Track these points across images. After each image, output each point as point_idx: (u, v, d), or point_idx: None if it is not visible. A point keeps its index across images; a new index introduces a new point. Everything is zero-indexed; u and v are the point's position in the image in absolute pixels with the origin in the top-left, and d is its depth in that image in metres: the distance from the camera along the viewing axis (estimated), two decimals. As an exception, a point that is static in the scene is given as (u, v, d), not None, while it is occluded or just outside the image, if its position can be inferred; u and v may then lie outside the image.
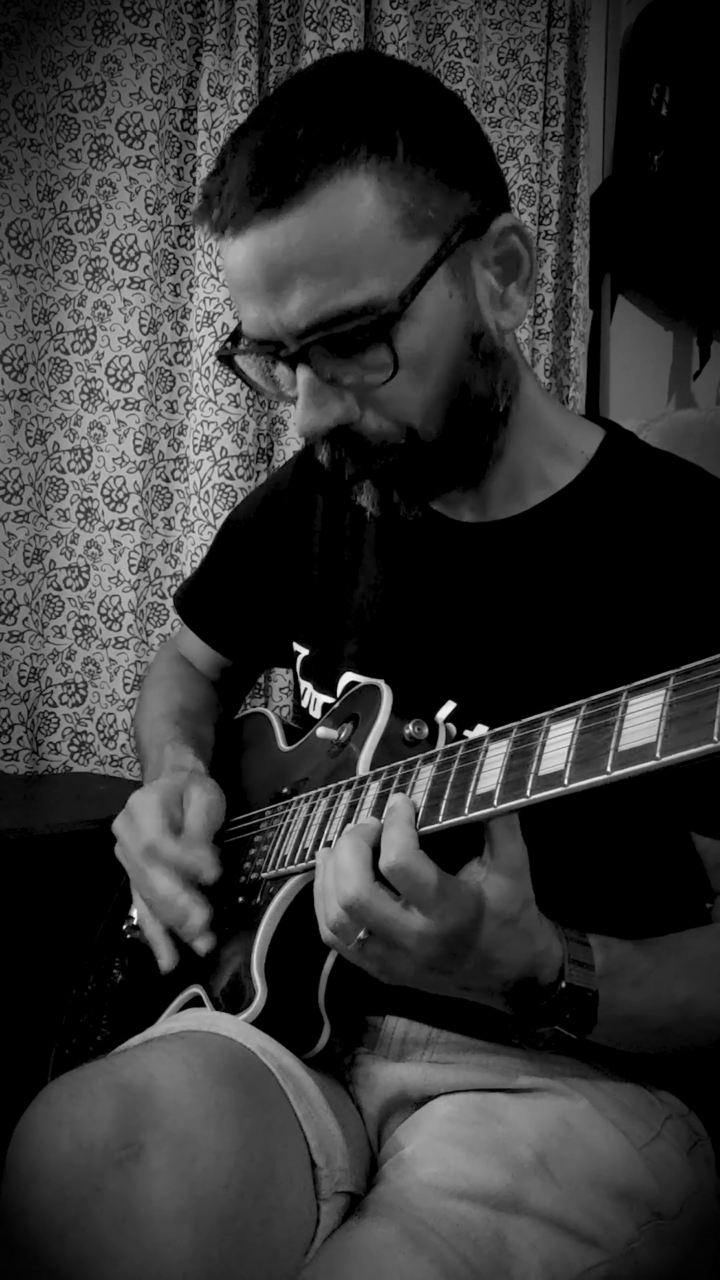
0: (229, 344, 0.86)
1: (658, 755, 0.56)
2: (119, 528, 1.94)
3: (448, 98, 0.85)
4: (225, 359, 0.87)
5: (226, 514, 1.85)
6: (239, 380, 1.82)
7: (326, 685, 1.02)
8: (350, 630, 1.02)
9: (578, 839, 0.87)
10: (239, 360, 0.87)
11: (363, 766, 0.87)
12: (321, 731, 0.96)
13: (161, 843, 0.96)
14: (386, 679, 0.94)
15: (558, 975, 0.76)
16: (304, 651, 1.07)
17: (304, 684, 1.07)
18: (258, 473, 1.94)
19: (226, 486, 1.89)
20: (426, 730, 0.88)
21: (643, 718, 0.58)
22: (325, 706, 1.01)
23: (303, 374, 0.81)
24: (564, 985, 0.76)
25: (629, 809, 0.87)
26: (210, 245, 1.86)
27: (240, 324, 0.85)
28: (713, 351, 2.36)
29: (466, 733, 0.89)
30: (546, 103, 2.12)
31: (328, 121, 0.78)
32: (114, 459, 1.93)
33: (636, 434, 0.97)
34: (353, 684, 0.98)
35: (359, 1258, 0.75)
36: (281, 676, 1.97)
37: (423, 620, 0.97)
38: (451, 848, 0.73)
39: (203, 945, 0.93)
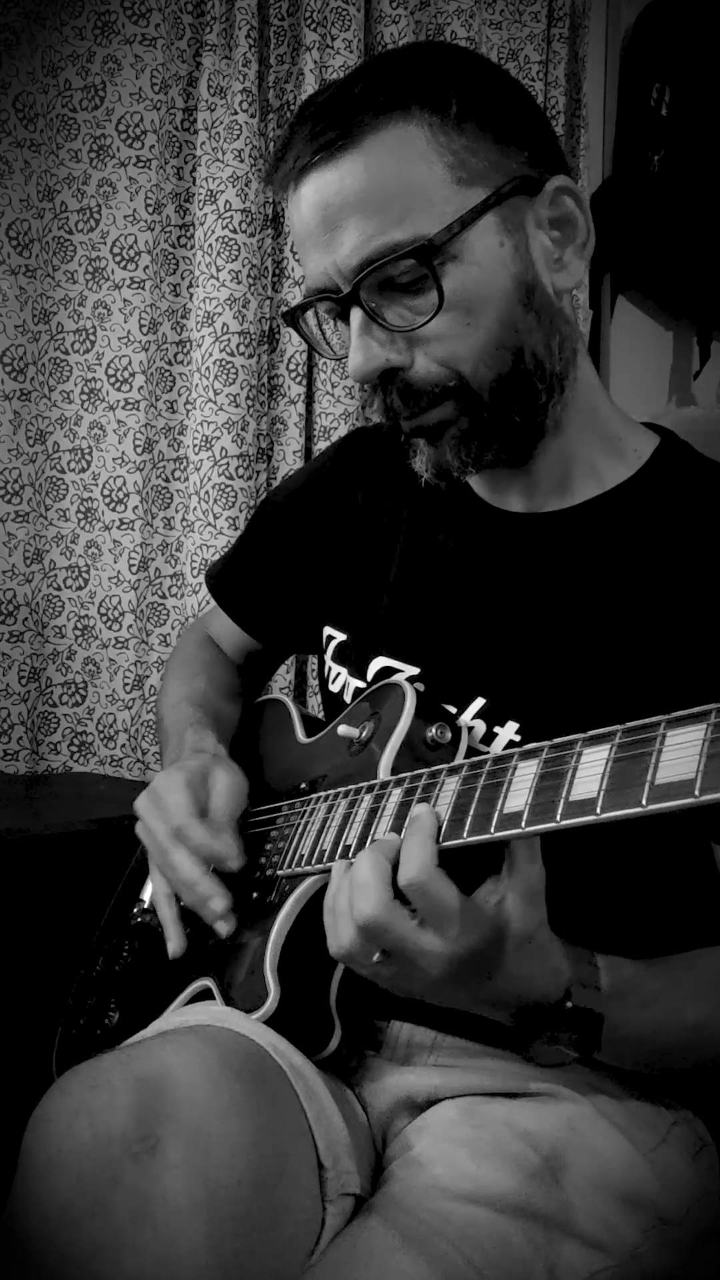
0: (294, 305, 0.91)
1: (697, 793, 0.55)
2: (119, 528, 1.94)
3: (507, 76, 0.89)
4: (288, 316, 0.91)
5: (231, 511, 1.87)
6: (240, 379, 1.84)
7: (359, 670, 1.02)
8: (386, 615, 1.02)
9: (596, 855, 0.86)
10: (303, 323, 0.91)
11: (383, 769, 0.87)
12: (343, 729, 0.95)
13: (189, 825, 0.96)
14: (420, 666, 0.94)
15: (563, 995, 0.75)
16: (339, 636, 1.07)
17: (337, 669, 1.06)
18: (258, 473, 1.93)
19: (226, 486, 1.88)
20: (450, 734, 0.87)
21: (682, 752, 0.57)
22: (357, 691, 1.00)
23: (355, 316, 0.84)
24: (569, 1006, 0.75)
25: (648, 826, 0.86)
26: (209, 244, 1.86)
27: (304, 296, 0.88)
28: (713, 351, 2.36)
29: (496, 729, 0.89)
30: (546, 103, 2.12)
31: (386, 79, 0.83)
32: (114, 459, 1.93)
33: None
34: (384, 669, 0.98)
35: (365, 1261, 0.76)
36: (282, 676, 1.96)
37: (460, 609, 0.96)
38: (467, 863, 0.72)
39: (224, 928, 0.93)
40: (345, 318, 0.86)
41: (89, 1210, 0.69)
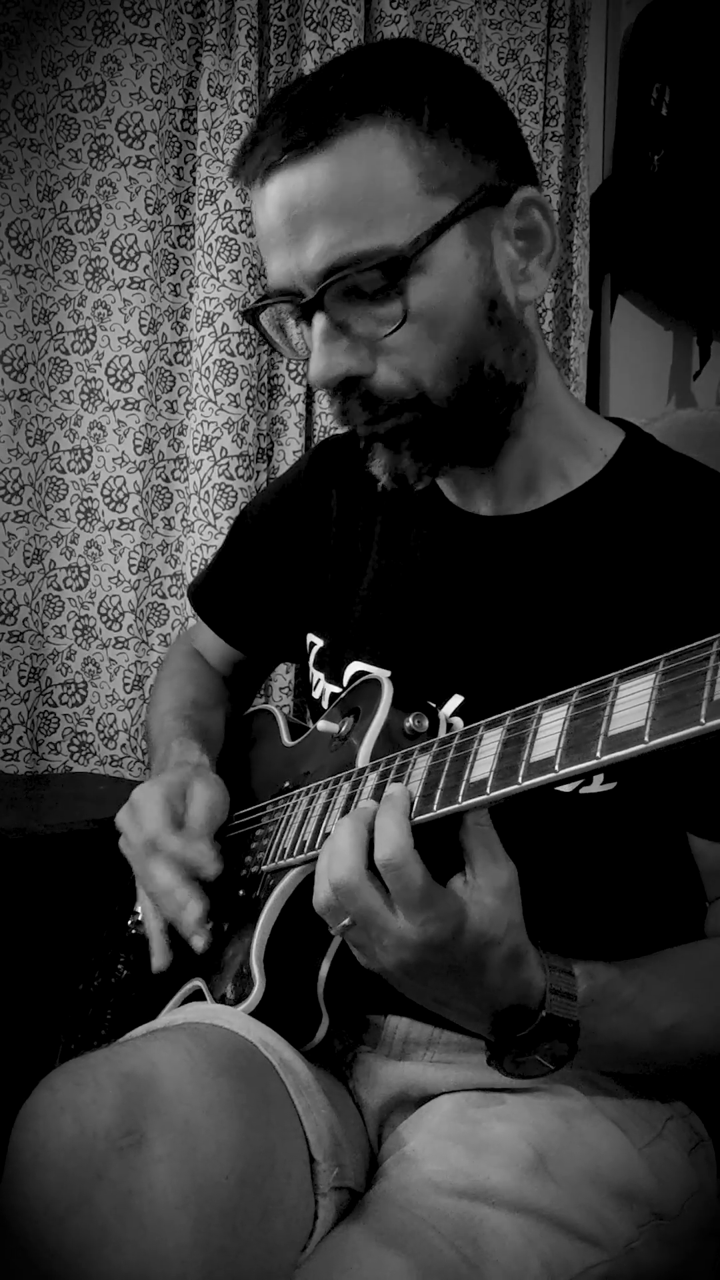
0: (254, 302, 0.89)
1: (646, 739, 0.56)
2: (119, 528, 1.94)
3: (481, 81, 0.88)
4: (249, 314, 0.90)
5: (231, 511, 1.87)
6: (240, 379, 1.84)
7: (335, 675, 1.02)
8: (361, 620, 1.02)
9: (573, 850, 0.87)
10: (263, 320, 0.90)
11: (362, 759, 0.87)
12: (323, 725, 0.96)
13: (163, 836, 0.96)
14: (395, 670, 0.94)
15: (538, 1005, 0.74)
16: (319, 643, 1.07)
17: (316, 675, 1.07)
18: (258, 473, 1.94)
19: (226, 486, 1.88)
20: (427, 723, 0.87)
21: (632, 702, 0.58)
22: (334, 696, 1.01)
23: (318, 322, 0.83)
24: (544, 1015, 0.74)
25: (621, 814, 0.86)
26: (209, 244, 1.87)
27: (264, 294, 0.87)
28: (713, 351, 2.36)
29: None
30: (546, 103, 2.12)
31: (359, 80, 0.81)
32: (114, 459, 1.93)
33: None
34: (359, 674, 0.98)
35: (358, 1255, 0.75)
36: (282, 676, 1.97)
37: (434, 612, 0.96)
38: (446, 857, 0.73)
39: (199, 942, 0.92)
40: (307, 320, 0.85)
41: (74, 1206, 0.69)
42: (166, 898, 0.95)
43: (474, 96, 0.85)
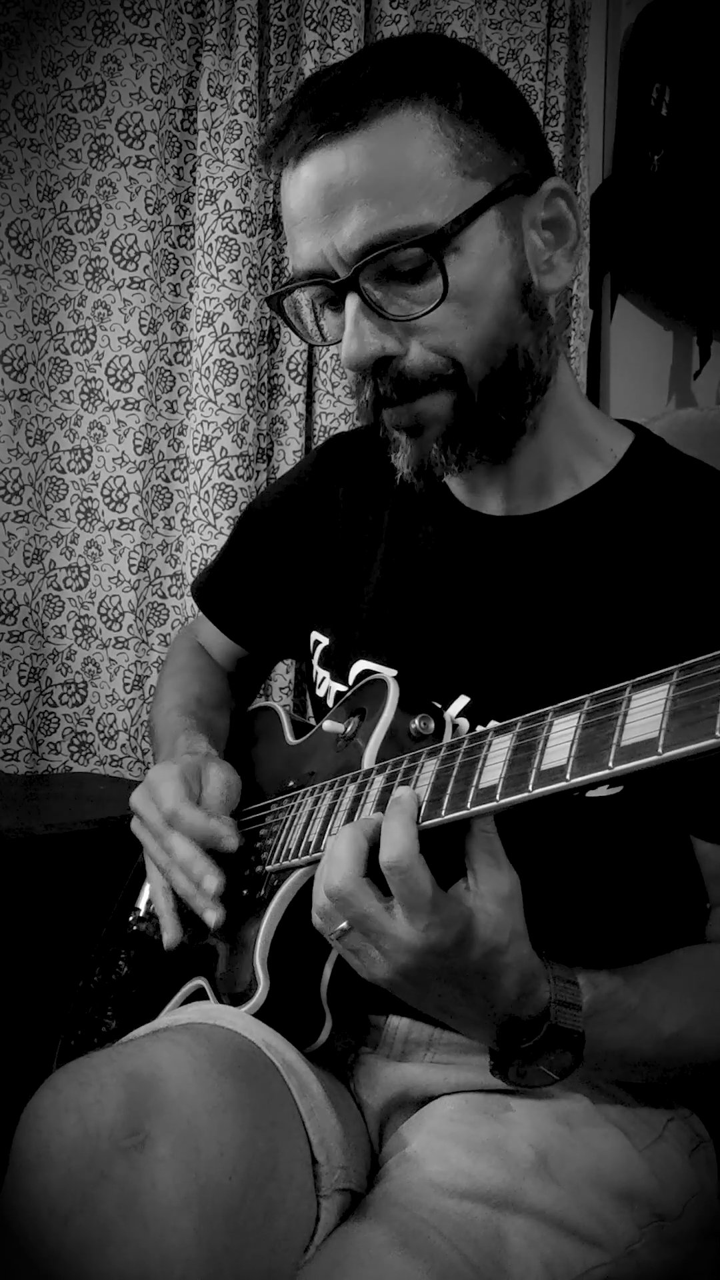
0: (280, 286, 0.88)
1: (660, 751, 0.56)
2: (119, 528, 1.94)
3: (505, 75, 0.89)
4: (273, 300, 0.90)
5: (232, 511, 1.87)
6: (240, 379, 1.84)
7: (341, 674, 1.02)
8: (367, 619, 1.02)
9: (577, 853, 0.87)
10: (286, 305, 0.90)
11: (368, 760, 0.87)
12: (328, 725, 0.96)
13: (183, 809, 0.95)
14: (401, 669, 0.94)
15: (543, 1015, 0.74)
16: (324, 640, 1.07)
17: (322, 673, 1.06)
18: (258, 473, 1.94)
19: (226, 486, 1.88)
20: (433, 725, 0.87)
21: (646, 712, 0.58)
22: (339, 694, 1.00)
23: (351, 303, 0.83)
24: (548, 1026, 0.74)
25: (626, 818, 0.86)
26: (209, 244, 1.87)
27: (291, 277, 0.87)
28: (713, 351, 2.36)
29: (480, 728, 0.89)
30: (546, 103, 2.12)
31: (395, 65, 0.82)
32: (114, 459, 1.93)
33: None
34: (365, 673, 0.98)
35: (360, 1257, 0.75)
36: (282, 676, 1.97)
37: (441, 612, 0.96)
38: (441, 864, 0.73)
39: (213, 917, 0.92)
40: (337, 303, 0.85)
41: (77, 1206, 0.69)
42: (186, 868, 0.94)
43: (502, 88, 0.86)
